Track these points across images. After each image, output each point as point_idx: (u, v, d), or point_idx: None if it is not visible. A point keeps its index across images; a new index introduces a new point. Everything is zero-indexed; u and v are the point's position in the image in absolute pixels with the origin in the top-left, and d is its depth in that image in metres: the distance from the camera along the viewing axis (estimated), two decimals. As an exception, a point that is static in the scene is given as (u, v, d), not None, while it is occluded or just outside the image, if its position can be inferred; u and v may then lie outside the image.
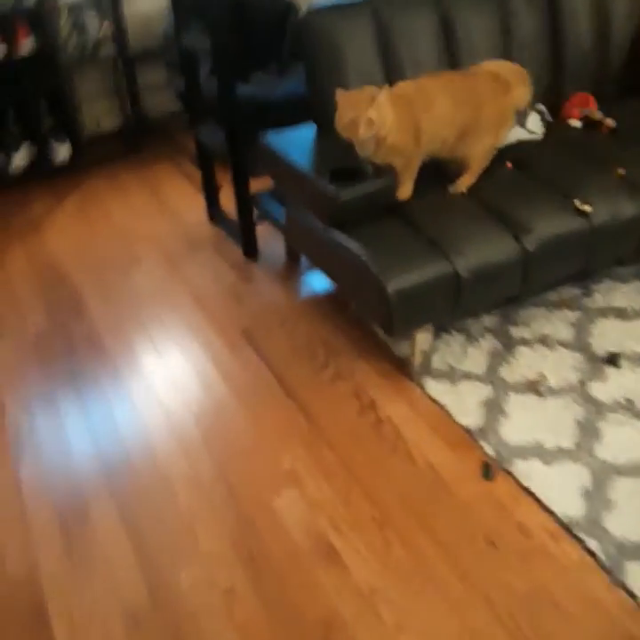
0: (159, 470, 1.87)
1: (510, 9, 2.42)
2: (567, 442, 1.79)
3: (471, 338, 2.18)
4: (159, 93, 3.93)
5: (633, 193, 2.07)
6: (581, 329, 2.15)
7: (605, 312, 2.21)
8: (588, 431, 1.81)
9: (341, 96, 1.94)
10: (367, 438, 1.91)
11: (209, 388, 2.15)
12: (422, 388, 2.03)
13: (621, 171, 2.11)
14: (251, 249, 2.77)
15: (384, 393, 2.05)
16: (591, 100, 2.47)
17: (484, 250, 1.93)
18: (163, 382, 2.19)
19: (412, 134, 2.03)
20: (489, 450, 1.80)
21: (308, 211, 2.19)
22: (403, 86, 2.10)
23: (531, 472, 1.72)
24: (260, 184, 2.76)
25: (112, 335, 2.41)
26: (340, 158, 2.13)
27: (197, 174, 3.35)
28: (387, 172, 2.05)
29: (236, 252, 2.82)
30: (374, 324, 2.24)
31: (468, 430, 1.87)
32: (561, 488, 1.67)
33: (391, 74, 2.29)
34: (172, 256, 2.85)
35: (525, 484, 1.69)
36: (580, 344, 2.10)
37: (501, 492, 1.71)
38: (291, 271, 2.69)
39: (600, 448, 1.76)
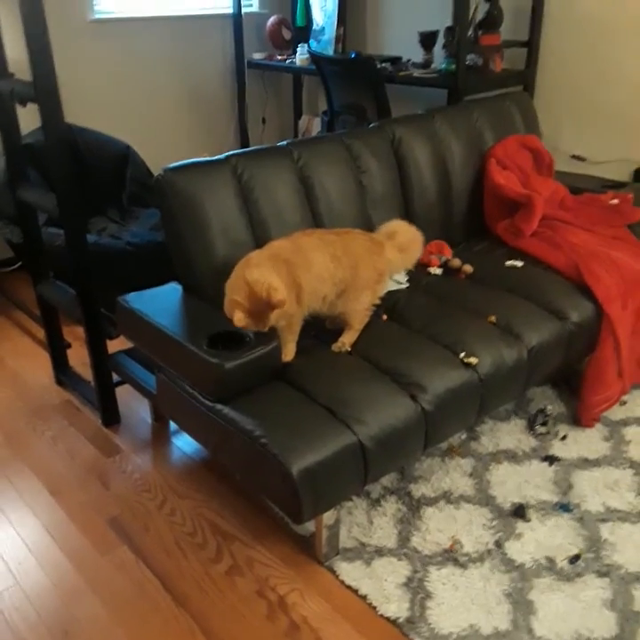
0: None
1: (362, 167, 2.38)
2: (503, 622, 1.56)
3: (373, 503, 1.93)
4: (-15, 239, 3.44)
5: (509, 340, 2.01)
6: (480, 480, 2.00)
7: (497, 457, 2.09)
8: (520, 605, 1.60)
9: (237, 310, 1.71)
10: (285, 653, 1.55)
11: (74, 605, 1.67)
12: (334, 573, 1.72)
13: (492, 318, 2.07)
14: (111, 416, 2.35)
15: (292, 586, 1.71)
16: (445, 246, 2.47)
17: (384, 415, 1.72)
18: (11, 602, 1.67)
19: (294, 294, 1.83)
20: (424, 646, 1.52)
21: (186, 382, 1.87)
22: (277, 245, 1.93)
23: (476, 669, 1.46)
24: (117, 342, 2.40)
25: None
26: (213, 322, 1.87)
27: (38, 329, 2.89)
28: (269, 334, 1.81)
29: (93, 420, 2.37)
30: (278, 511, 1.91)
31: (395, 623, 1.58)
32: (512, 685, 1.43)
33: (256, 230, 2.11)
34: (14, 430, 2.33)
35: (474, 686, 1.43)
36: (483, 498, 1.93)
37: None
38: (160, 436, 2.30)
39: (538, 624, 1.55)
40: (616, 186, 2.88)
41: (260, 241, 2.11)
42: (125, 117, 3.84)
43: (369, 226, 2.36)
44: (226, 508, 1.96)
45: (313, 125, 4.54)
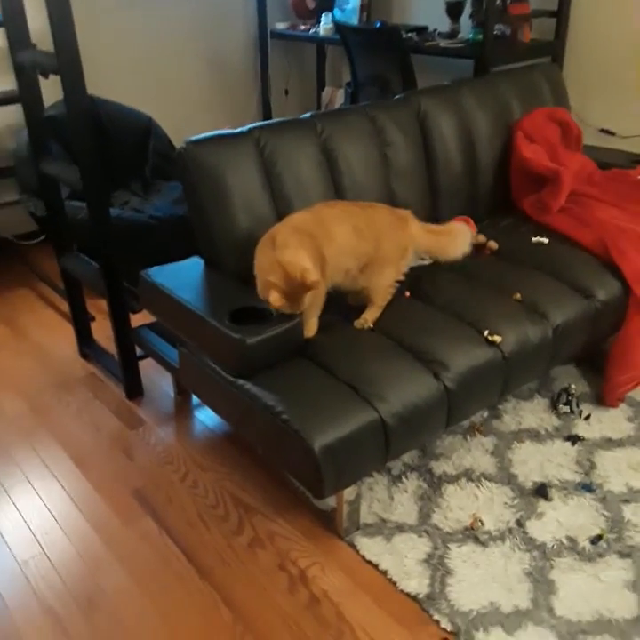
0: None
1: (386, 139, 2.33)
2: (523, 600, 1.55)
3: (394, 479, 1.92)
4: (10, 212, 3.44)
5: (534, 318, 1.97)
6: (501, 458, 1.98)
7: (520, 436, 2.06)
8: (540, 584, 1.59)
9: (274, 291, 1.67)
10: (306, 626, 1.54)
11: (99, 574, 1.69)
12: (355, 548, 1.72)
13: (518, 295, 2.02)
14: (134, 389, 2.36)
15: (313, 559, 1.71)
16: (470, 222, 2.41)
17: (407, 392, 1.70)
18: (37, 571, 1.69)
19: (319, 268, 1.80)
20: (444, 622, 1.51)
21: (208, 357, 1.86)
22: (299, 218, 1.89)
23: (496, 646, 1.46)
24: (141, 316, 2.39)
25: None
26: (235, 296, 1.86)
27: (62, 302, 2.90)
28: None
29: (117, 392, 2.38)
30: (299, 486, 1.91)
31: (415, 598, 1.58)
32: (532, 663, 1.42)
33: (278, 204, 2.08)
34: (40, 402, 2.35)
35: (494, 663, 1.43)
36: (505, 477, 1.91)
37: (467, 675, 1.42)
38: (183, 410, 2.30)
39: (558, 604, 1.54)
40: (646, 161, 2.78)
41: (282, 215, 2.07)
42: (147, 89, 3.80)
43: (393, 200, 2.32)
44: (248, 481, 1.97)
45: (336, 97, 4.45)
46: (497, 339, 1.85)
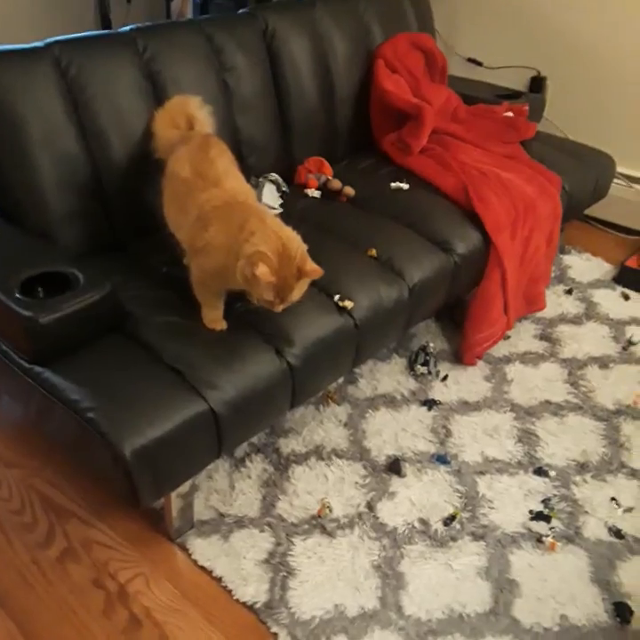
0: None
1: (226, 63, 1.94)
2: (370, 599, 1.38)
3: (237, 463, 1.67)
4: None
5: (388, 277, 1.72)
6: (355, 430, 1.77)
7: (375, 403, 1.86)
8: (389, 579, 1.42)
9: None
10: (123, 657, 1.29)
11: None
12: (187, 551, 1.47)
13: (373, 251, 1.78)
14: None
15: (136, 570, 1.44)
16: (325, 164, 2.11)
17: (242, 375, 1.41)
18: None
19: None
20: (283, 635, 1.31)
21: (-3, 338, 1.47)
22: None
23: (338, 660, 1.28)
24: None
25: None
26: (36, 260, 1.47)
27: None
28: (101, 279, 1.43)
29: None
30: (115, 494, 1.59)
31: (252, 608, 1.36)
32: (377, 676, 1.26)
33: (90, 141, 1.67)
34: None
35: (335, 681, 1.25)
36: (357, 451, 1.71)
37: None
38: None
39: (408, 601, 1.38)
40: (511, 96, 2.58)
41: (96, 155, 1.68)
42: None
43: (236, 135, 1.96)
44: (62, 476, 1.63)
45: (188, 7, 3.88)
46: (348, 304, 1.60)
